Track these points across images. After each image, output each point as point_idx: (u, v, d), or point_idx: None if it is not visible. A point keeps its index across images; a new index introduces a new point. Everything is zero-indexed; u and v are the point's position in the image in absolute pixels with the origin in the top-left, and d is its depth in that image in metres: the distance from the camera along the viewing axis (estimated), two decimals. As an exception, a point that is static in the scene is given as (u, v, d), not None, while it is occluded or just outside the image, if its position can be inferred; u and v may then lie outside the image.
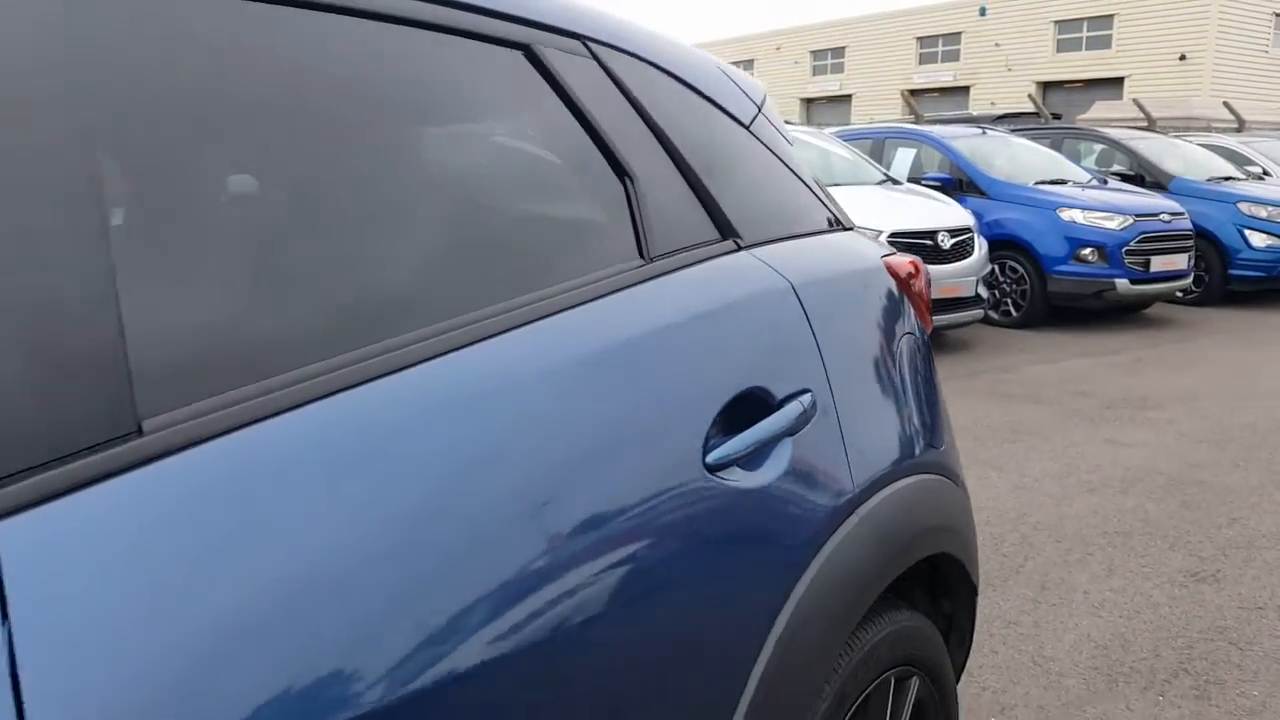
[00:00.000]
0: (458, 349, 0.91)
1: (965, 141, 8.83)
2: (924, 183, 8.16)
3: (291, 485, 0.75)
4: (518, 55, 1.14)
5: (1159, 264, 8.00)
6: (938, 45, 37.57)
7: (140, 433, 0.70)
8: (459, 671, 0.80)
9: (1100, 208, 8.01)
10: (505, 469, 0.90)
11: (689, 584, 1.06)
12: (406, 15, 1.00)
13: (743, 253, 1.32)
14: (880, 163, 8.67)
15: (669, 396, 1.09)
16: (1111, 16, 32.35)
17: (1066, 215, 7.89)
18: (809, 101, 41.76)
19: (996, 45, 34.98)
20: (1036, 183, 8.39)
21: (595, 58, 1.22)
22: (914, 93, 33.90)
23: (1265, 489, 4.13)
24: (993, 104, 30.17)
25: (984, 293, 7.09)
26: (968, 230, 7.02)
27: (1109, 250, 7.79)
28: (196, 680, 0.66)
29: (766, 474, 1.18)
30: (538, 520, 0.90)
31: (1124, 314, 8.64)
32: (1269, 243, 9.08)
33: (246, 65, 0.85)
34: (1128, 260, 7.82)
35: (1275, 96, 28.61)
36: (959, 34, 36.65)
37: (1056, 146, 10.09)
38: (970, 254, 6.94)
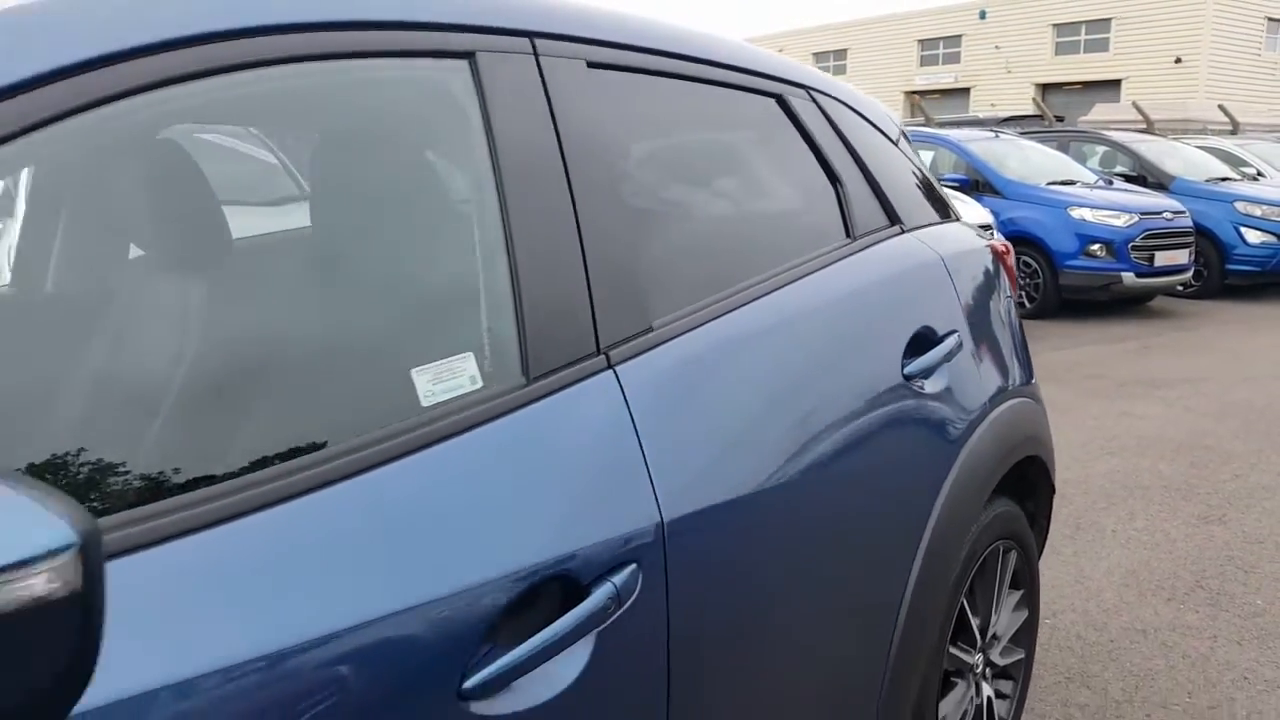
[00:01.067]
0: (777, 289, 1.47)
1: (980, 145, 9.40)
2: (943, 183, 8.72)
3: (744, 349, 1.33)
4: (771, 102, 1.70)
5: (1162, 259, 8.58)
6: (938, 48, 38.21)
7: (651, 329, 1.25)
8: (791, 449, 1.37)
9: (1108, 206, 8.59)
10: (812, 353, 1.47)
11: (900, 444, 1.63)
12: (688, 75, 1.54)
13: (906, 234, 1.88)
14: (900, 164, 9.21)
15: (881, 326, 1.66)
16: (1109, 20, 33.02)
17: (1077, 213, 8.47)
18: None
19: (996, 48, 35.62)
20: (1048, 183, 8.96)
21: (816, 102, 1.78)
22: (915, 94, 34.47)
23: (1263, 452, 4.70)
24: (993, 105, 30.79)
25: (1002, 285, 7.65)
26: (989, 227, 7.59)
27: (1116, 246, 8.36)
28: (739, 443, 1.23)
29: (936, 385, 1.74)
30: (823, 381, 1.47)
31: (1129, 306, 9.23)
32: (1263, 239, 9.66)
33: (619, 118, 1.38)
34: (1134, 255, 8.40)
35: (1267, 98, 29.26)
36: (959, 36, 37.30)
37: (1062, 149, 10.67)
38: (990, 249, 7.50)
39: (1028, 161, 9.43)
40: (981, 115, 19.45)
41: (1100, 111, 20.83)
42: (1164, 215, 8.75)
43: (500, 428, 1.03)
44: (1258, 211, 9.75)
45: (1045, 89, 33.35)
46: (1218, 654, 2.81)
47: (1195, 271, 9.38)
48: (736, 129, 1.62)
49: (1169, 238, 8.68)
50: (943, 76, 37.67)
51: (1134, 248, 8.42)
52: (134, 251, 1.11)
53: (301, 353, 0.98)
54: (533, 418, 1.06)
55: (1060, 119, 17.26)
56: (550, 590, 1.00)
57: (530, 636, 0.96)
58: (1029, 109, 25.74)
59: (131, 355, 0.96)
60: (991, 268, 2.13)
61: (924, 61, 38.70)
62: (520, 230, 1.11)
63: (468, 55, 1.14)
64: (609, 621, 1.03)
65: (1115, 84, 32.19)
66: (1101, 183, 9.51)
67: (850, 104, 1.90)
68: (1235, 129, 17.27)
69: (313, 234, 1.13)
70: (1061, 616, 3.02)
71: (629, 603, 1.06)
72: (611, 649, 1.04)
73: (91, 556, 0.48)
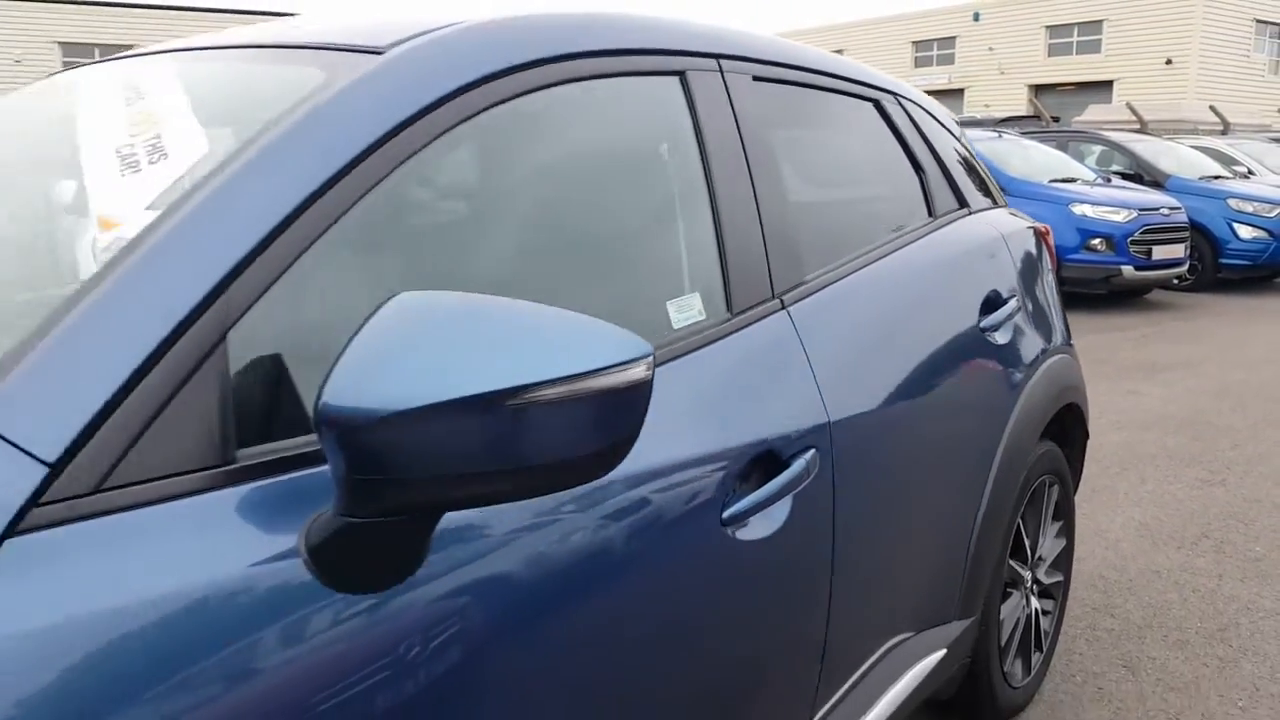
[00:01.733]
0: (887, 255, 1.85)
1: (985, 144, 9.79)
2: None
3: (867, 298, 1.71)
4: (869, 106, 2.08)
5: (1160, 253, 9.00)
6: (933, 49, 38.70)
7: (805, 281, 1.63)
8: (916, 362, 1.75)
9: (1108, 203, 9.00)
10: (919, 305, 1.86)
11: (979, 382, 2.02)
12: (817, 85, 1.91)
13: (971, 216, 2.27)
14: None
15: (962, 287, 2.04)
16: (1101, 22, 33.55)
17: (1078, 210, 8.88)
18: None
19: (990, 49, 36.13)
20: (1050, 181, 9.37)
21: (902, 106, 2.17)
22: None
23: (1258, 426, 5.11)
24: (987, 106, 31.26)
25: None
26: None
27: (1116, 240, 8.78)
28: (872, 368, 1.62)
29: (1003, 339, 2.12)
30: (926, 327, 1.86)
31: (1127, 298, 9.64)
32: (1255, 235, 10.09)
33: (772, 119, 1.76)
34: (1133, 249, 8.81)
35: (1255, 98, 29.80)
36: (953, 38, 37.80)
37: (1061, 148, 11.08)
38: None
39: (1030, 160, 9.84)
40: (979, 116, 19.90)
41: (1094, 112, 21.30)
42: (1161, 211, 9.17)
43: (720, 347, 1.40)
44: (1249, 208, 10.17)
45: (1038, 90, 33.85)
46: (1223, 590, 3.20)
47: (1190, 266, 9.80)
48: (848, 128, 2.01)
49: (1166, 233, 9.10)
50: (937, 78, 38.15)
51: (1133, 242, 8.83)
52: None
53: (617, 283, 1.37)
54: (739, 341, 1.44)
55: (1056, 119, 17.70)
56: (766, 459, 1.37)
57: (759, 489, 1.34)
58: (1023, 109, 26.19)
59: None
60: (1036, 245, 2.52)
61: (918, 63, 39.18)
62: (722, 207, 1.49)
63: (680, 74, 1.52)
64: (800, 488, 1.41)
65: (1107, 85, 32.73)
66: (1100, 180, 9.93)
67: (925, 107, 2.29)
68: (1226, 129, 17.74)
69: (603, 208, 1.50)
70: (1085, 562, 3.41)
71: (810, 477, 1.44)
72: (801, 508, 1.41)
73: (651, 363, 0.86)
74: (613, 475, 1.12)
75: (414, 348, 0.79)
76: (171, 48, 1.41)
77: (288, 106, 1.04)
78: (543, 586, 1.03)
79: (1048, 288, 2.50)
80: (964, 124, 15.06)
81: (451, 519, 0.93)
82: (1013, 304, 2.20)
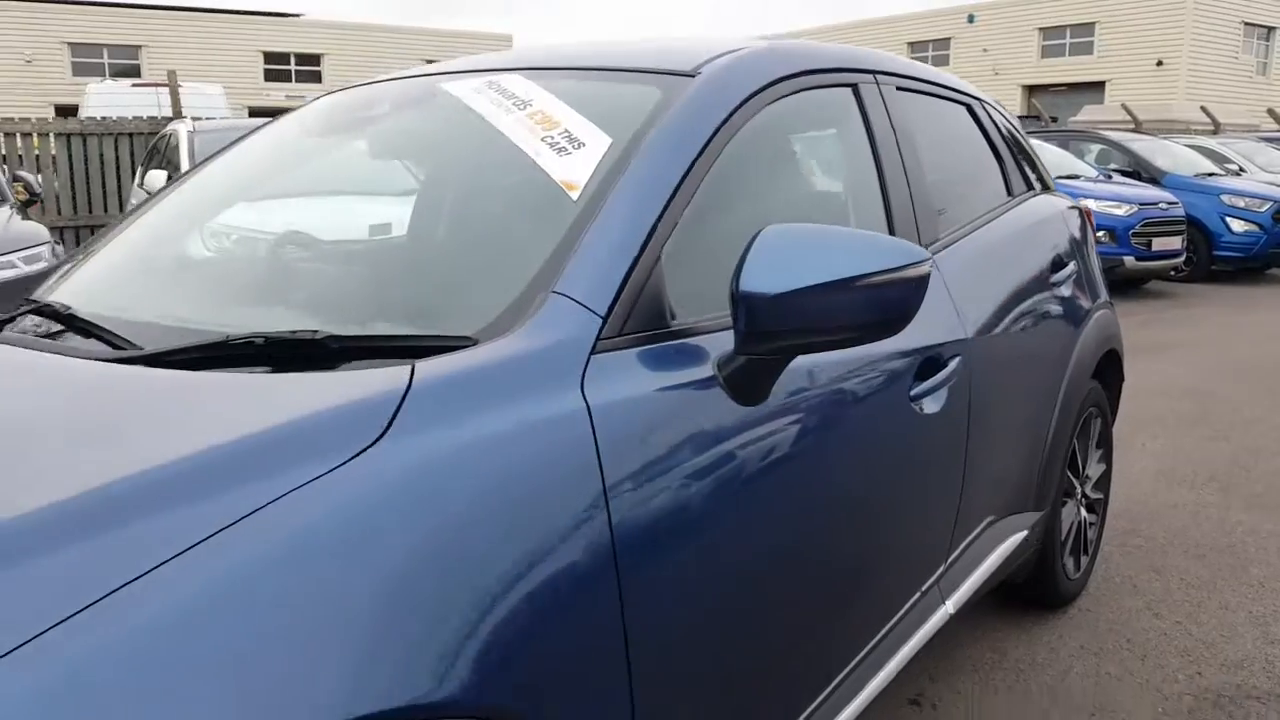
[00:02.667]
0: (988, 223, 2.42)
1: (993, 142, 10.38)
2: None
3: (979, 253, 2.27)
4: (962, 109, 2.65)
5: (1159, 244, 9.61)
6: (928, 50, 39.32)
7: (939, 239, 2.19)
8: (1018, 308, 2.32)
9: (1111, 197, 9.60)
10: (1013, 261, 2.42)
11: (1053, 323, 2.59)
12: (949, 93, 2.49)
13: (1041, 196, 2.84)
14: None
15: (1040, 249, 2.61)
16: (1093, 24, 34.27)
17: (1082, 204, 9.45)
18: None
19: (984, 51, 36.81)
20: (1054, 177, 9.94)
21: (985, 109, 2.74)
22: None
23: (1254, 394, 5.70)
24: (981, 106, 31.82)
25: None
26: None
27: (1118, 233, 9.38)
28: (991, 301, 2.20)
29: (1065, 292, 2.69)
30: (1019, 277, 2.42)
31: (1127, 288, 10.24)
32: (1247, 228, 10.71)
33: (931, 136, 2.33)
34: (1134, 241, 9.42)
35: (1243, 98, 30.53)
36: (948, 39, 38.48)
37: (1062, 146, 11.68)
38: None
39: (1036, 158, 10.42)
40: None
41: (1089, 113, 21.96)
42: (1160, 205, 9.78)
43: None
44: (1241, 203, 10.79)
45: (1032, 90, 34.55)
46: (1230, 518, 3.78)
47: (1185, 258, 10.41)
48: (952, 124, 2.57)
49: (1165, 226, 9.70)
50: (932, 78, 38.75)
51: (1134, 235, 9.43)
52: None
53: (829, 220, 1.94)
54: None
55: (1054, 119, 18.33)
56: (934, 360, 1.94)
57: (929, 379, 1.90)
58: (1017, 110, 26.80)
59: None
60: (1083, 221, 3.10)
61: (913, 63, 39.79)
62: (887, 179, 2.05)
63: (852, 85, 2.08)
64: (952, 382, 1.97)
65: (1099, 86, 33.45)
66: (1101, 177, 10.53)
67: (1001, 109, 2.86)
68: (1217, 129, 18.40)
69: (814, 175, 2.06)
70: (1112, 499, 3.97)
71: (957, 376, 2.00)
72: (952, 397, 1.98)
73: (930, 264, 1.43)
74: (872, 352, 1.70)
75: (785, 255, 1.34)
76: (493, 66, 1.95)
77: (650, 112, 1.60)
78: (834, 405, 1.61)
79: (1092, 254, 3.07)
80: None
81: (793, 364, 1.50)
82: (1072, 265, 2.77)
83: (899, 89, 2.24)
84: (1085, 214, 3.18)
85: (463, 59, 2.16)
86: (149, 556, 0.88)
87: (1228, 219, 10.76)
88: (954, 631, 2.78)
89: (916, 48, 39.70)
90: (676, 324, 1.43)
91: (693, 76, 1.70)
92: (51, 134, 9.28)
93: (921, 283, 1.40)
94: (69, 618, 0.82)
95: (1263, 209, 10.69)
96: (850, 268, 1.35)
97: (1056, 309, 2.64)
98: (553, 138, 1.59)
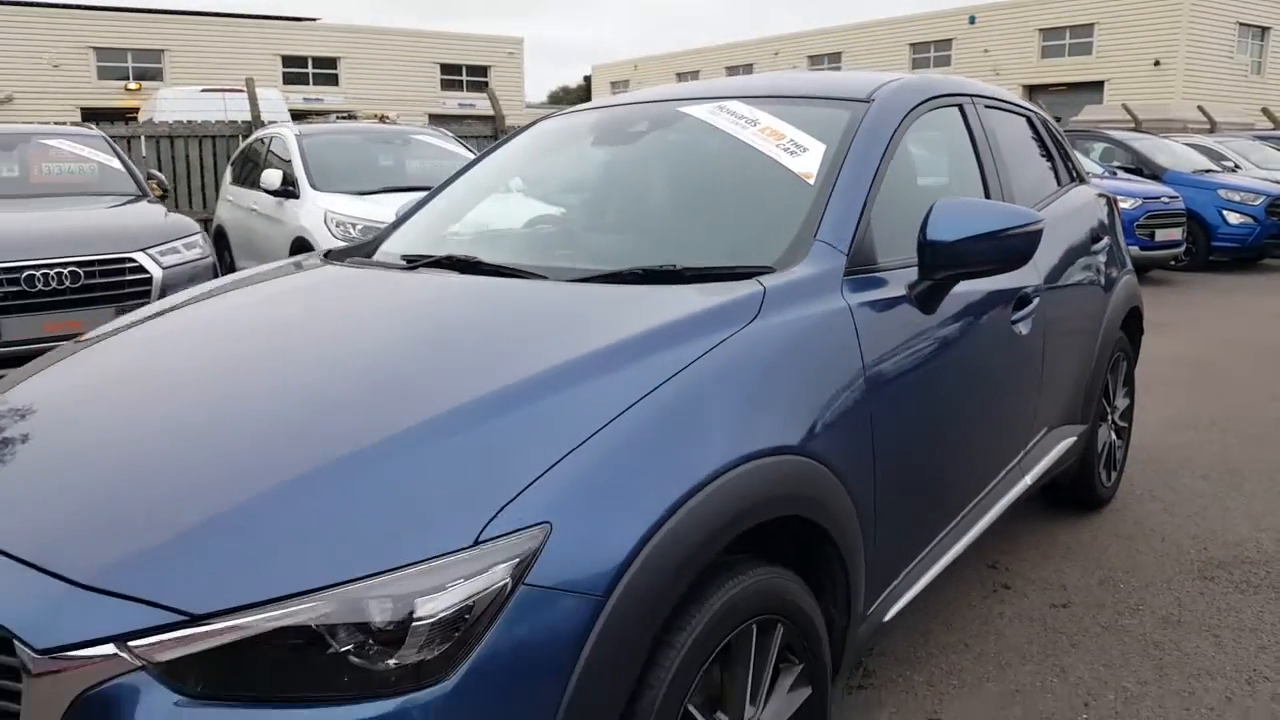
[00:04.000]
0: (1060, 199, 3.26)
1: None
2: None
3: (1062, 221, 3.11)
4: (1024, 119, 3.48)
5: (1161, 235, 10.45)
6: (930, 51, 40.23)
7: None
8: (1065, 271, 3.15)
9: (1116, 192, 10.39)
10: (1070, 233, 3.26)
11: (1094, 280, 3.42)
12: (1018, 110, 3.32)
13: (1083, 186, 3.68)
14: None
15: (1084, 225, 3.44)
16: (1092, 25, 35.17)
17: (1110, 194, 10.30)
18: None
19: (986, 51, 37.69)
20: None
21: (1039, 117, 3.57)
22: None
23: (1247, 363, 6.55)
24: (983, 106, 32.69)
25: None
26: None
27: (1124, 225, 10.18)
28: (1057, 255, 3.04)
29: (1102, 259, 3.53)
30: (1071, 242, 3.26)
31: (1131, 276, 11.09)
32: (1242, 220, 11.56)
33: (1011, 141, 3.16)
34: (1138, 232, 10.25)
35: (1239, 97, 31.42)
36: (950, 40, 39.35)
37: (1070, 145, 12.50)
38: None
39: (1046, 156, 11.26)
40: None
41: (1090, 112, 22.82)
42: (1162, 199, 10.62)
43: None
44: (1237, 197, 11.63)
45: (1031, 90, 35.39)
46: (1229, 450, 4.61)
47: (1185, 248, 11.24)
48: (1021, 131, 3.40)
49: (1166, 218, 10.54)
50: (934, 78, 39.64)
51: (1138, 226, 10.27)
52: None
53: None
54: None
55: (1058, 119, 19.16)
56: (1023, 296, 2.76)
57: (1021, 309, 2.74)
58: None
59: None
60: (1111, 206, 3.93)
61: (915, 65, 40.67)
62: (986, 173, 2.88)
63: (959, 105, 2.91)
64: (1033, 314, 2.80)
65: (1098, 85, 34.36)
66: (1107, 174, 11.37)
67: (1048, 119, 3.70)
68: (1213, 127, 19.26)
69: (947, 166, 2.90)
70: (1137, 440, 4.81)
71: (1036, 309, 2.83)
72: (1034, 326, 2.80)
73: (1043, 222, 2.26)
74: (991, 287, 2.53)
75: (958, 219, 2.17)
76: (713, 95, 2.77)
77: (846, 124, 2.43)
78: (974, 318, 2.44)
79: (1119, 232, 3.91)
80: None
81: (952, 291, 2.33)
82: (1105, 239, 3.60)
83: (986, 106, 3.07)
84: (1112, 202, 4.01)
85: (671, 87, 3.00)
86: (661, 367, 1.69)
87: (1224, 212, 11.60)
88: (1019, 522, 3.63)
89: (918, 49, 40.57)
90: (879, 263, 2.25)
91: (869, 102, 2.52)
92: (143, 136, 10.08)
93: (1038, 235, 2.23)
94: (616, 416, 1.55)
95: (1257, 202, 11.53)
96: (995, 225, 2.18)
97: (1096, 272, 3.47)
98: (784, 144, 2.42)
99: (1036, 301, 2.83)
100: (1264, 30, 36.04)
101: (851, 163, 2.31)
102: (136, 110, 31.44)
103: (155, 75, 33.63)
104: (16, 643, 1.27)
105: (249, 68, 34.70)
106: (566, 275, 2.17)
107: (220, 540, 1.33)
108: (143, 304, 5.49)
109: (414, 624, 1.27)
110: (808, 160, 2.35)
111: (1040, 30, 36.62)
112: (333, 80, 37.57)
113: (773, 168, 2.38)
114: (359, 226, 6.42)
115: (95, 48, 33.43)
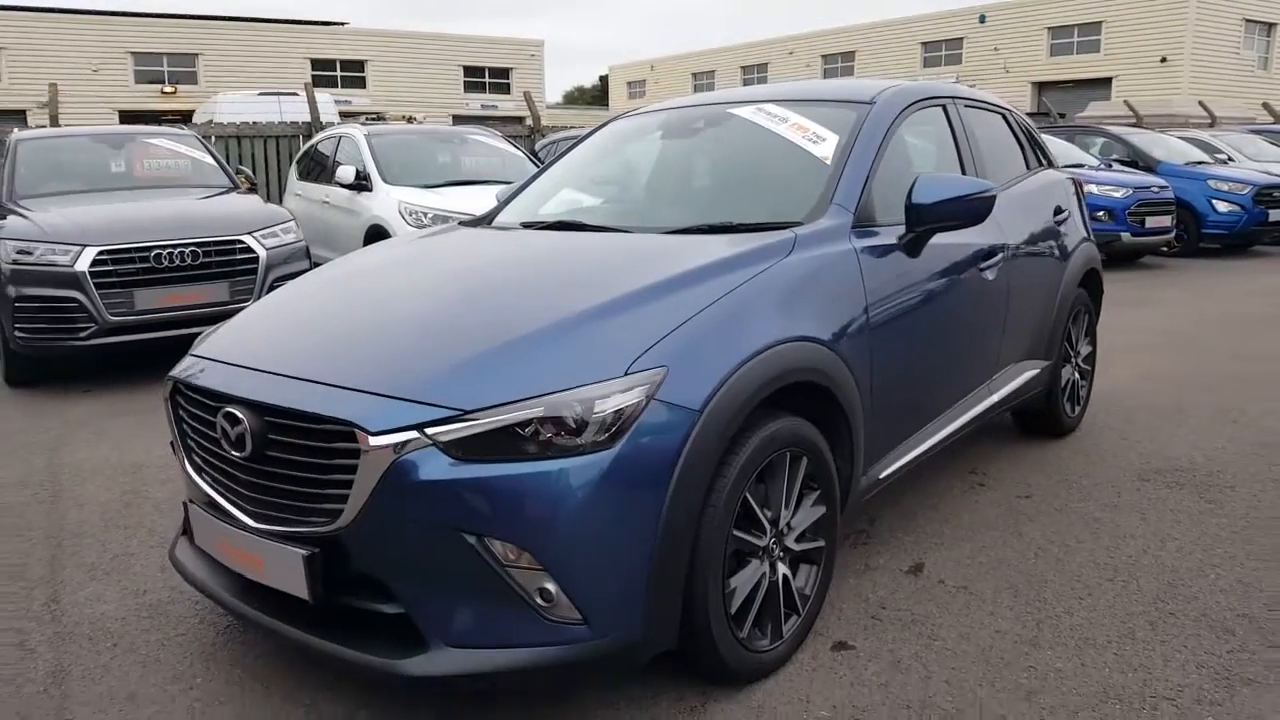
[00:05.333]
0: (1027, 179, 4.11)
1: (1009, 137, 12.03)
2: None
3: (1016, 199, 3.96)
4: (999, 116, 4.33)
5: (1151, 223, 11.25)
6: (941, 49, 40.94)
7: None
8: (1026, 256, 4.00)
9: (1110, 182, 11.24)
10: (1035, 207, 4.11)
11: (1056, 246, 4.27)
12: (993, 108, 4.17)
13: (1051, 170, 4.53)
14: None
15: (1049, 201, 4.29)
16: (1100, 23, 35.84)
17: (1086, 188, 11.05)
18: (820, 101, 44.98)
19: (995, 49, 38.40)
20: (1061, 166, 11.58)
21: (1012, 115, 4.42)
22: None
23: (1214, 333, 7.37)
24: (994, 103, 33.40)
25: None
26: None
27: (1116, 212, 11.02)
28: (1018, 223, 3.89)
29: (1063, 230, 4.37)
30: (1037, 217, 4.11)
31: (1124, 262, 11.88)
32: (1230, 209, 12.33)
33: (985, 131, 4.01)
34: (1130, 219, 11.06)
35: (1245, 93, 32.03)
36: (961, 39, 40.07)
37: (1069, 140, 13.30)
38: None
39: (1046, 150, 12.07)
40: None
41: (1095, 109, 23.54)
42: (1152, 189, 11.41)
43: None
44: (1225, 187, 12.41)
45: (1041, 87, 36.12)
46: (1182, 397, 5.44)
47: (1177, 235, 12.03)
48: (994, 127, 4.24)
49: (1156, 206, 11.34)
50: (945, 77, 40.38)
51: (1130, 214, 11.07)
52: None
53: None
54: None
55: (1063, 115, 19.94)
56: (989, 250, 3.61)
57: (988, 260, 3.59)
58: (1027, 106, 28.35)
59: None
60: (1076, 186, 4.77)
61: (927, 63, 41.41)
62: (963, 156, 3.74)
63: (943, 105, 3.76)
64: (999, 265, 3.65)
65: (1106, 82, 35.02)
66: (1103, 166, 12.16)
67: (1020, 115, 4.54)
68: (1213, 122, 19.98)
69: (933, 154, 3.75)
70: (1101, 385, 5.65)
71: (1002, 261, 3.68)
72: (998, 275, 3.64)
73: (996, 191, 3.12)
74: (964, 241, 3.37)
75: (933, 188, 3.03)
76: (753, 99, 3.63)
77: (854, 121, 3.28)
78: (950, 263, 3.29)
79: (1082, 209, 4.75)
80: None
81: (932, 240, 3.18)
82: (1066, 213, 4.44)
83: (966, 106, 3.93)
84: (1077, 183, 4.85)
85: (720, 93, 3.88)
86: (728, 282, 2.55)
87: (1213, 201, 12.37)
88: (996, 442, 4.49)
89: (930, 47, 41.29)
90: (877, 221, 3.11)
91: (872, 104, 3.38)
92: (214, 136, 11.00)
93: (993, 199, 3.09)
94: (703, 309, 2.41)
95: (1244, 192, 12.30)
96: (960, 191, 3.03)
97: (1056, 237, 4.32)
98: (808, 135, 3.28)
99: (1000, 255, 3.68)
100: (1270, 26, 36.61)
101: (857, 148, 3.17)
102: (172, 113, 32.71)
103: (190, 79, 34.79)
104: (357, 431, 2.14)
105: (280, 71, 35.89)
106: (656, 230, 3.05)
107: (479, 368, 2.20)
108: (251, 280, 6.43)
109: (591, 418, 2.13)
110: (825, 147, 3.21)
111: (1049, 28, 37.31)
112: (360, 83, 38.62)
113: (800, 152, 3.24)
114: (429, 215, 7.30)
115: (133, 52, 34.58)
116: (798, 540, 2.63)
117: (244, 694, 2.59)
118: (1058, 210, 4.38)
